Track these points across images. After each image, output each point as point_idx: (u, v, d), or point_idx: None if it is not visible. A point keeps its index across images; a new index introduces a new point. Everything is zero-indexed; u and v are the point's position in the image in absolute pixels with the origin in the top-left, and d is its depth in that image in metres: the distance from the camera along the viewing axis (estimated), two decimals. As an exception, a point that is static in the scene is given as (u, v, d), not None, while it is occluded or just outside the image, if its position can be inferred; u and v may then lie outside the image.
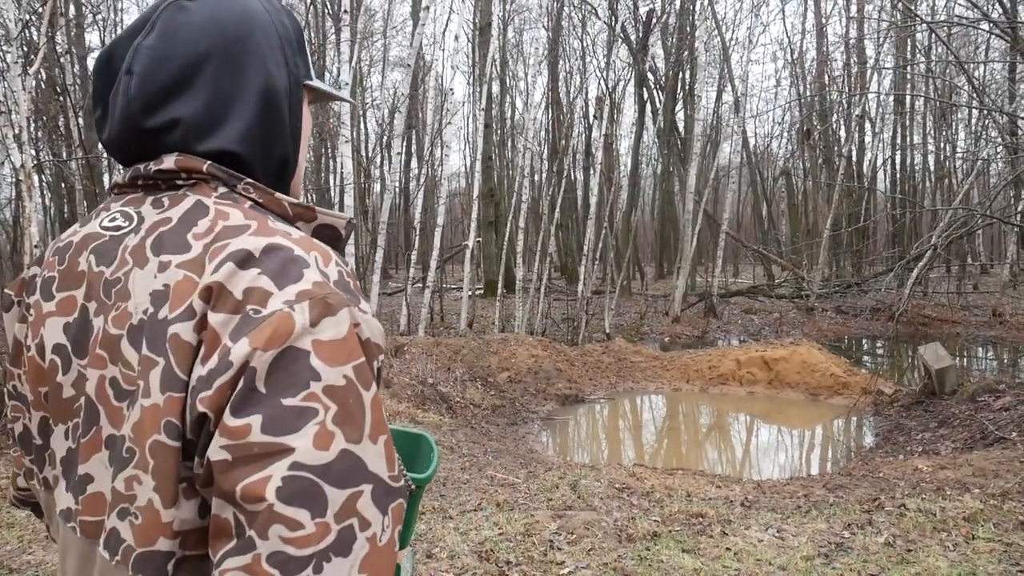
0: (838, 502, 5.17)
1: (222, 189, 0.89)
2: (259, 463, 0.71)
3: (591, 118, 22.49)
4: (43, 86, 10.48)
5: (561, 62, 23.65)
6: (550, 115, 23.98)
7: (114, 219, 0.92)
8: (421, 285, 14.16)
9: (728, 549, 4.12)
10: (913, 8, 13.23)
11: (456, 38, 28.64)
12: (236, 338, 0.74)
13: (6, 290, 1.03)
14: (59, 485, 0.89)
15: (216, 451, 0.73)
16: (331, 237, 0.95)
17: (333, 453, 0.73)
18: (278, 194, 0.92)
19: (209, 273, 0.79)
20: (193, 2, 0.91)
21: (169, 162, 0.89)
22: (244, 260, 0.79)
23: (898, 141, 26.97)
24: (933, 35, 15.26)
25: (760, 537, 4.32)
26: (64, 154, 10.74)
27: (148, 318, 0.80)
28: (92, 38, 16.34)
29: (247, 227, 0.83)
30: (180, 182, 0.90)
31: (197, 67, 0.89)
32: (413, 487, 1.22)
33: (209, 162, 0.89)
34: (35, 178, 7.06)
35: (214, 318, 0.77)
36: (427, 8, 11.43)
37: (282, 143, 0.96)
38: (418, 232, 14.22)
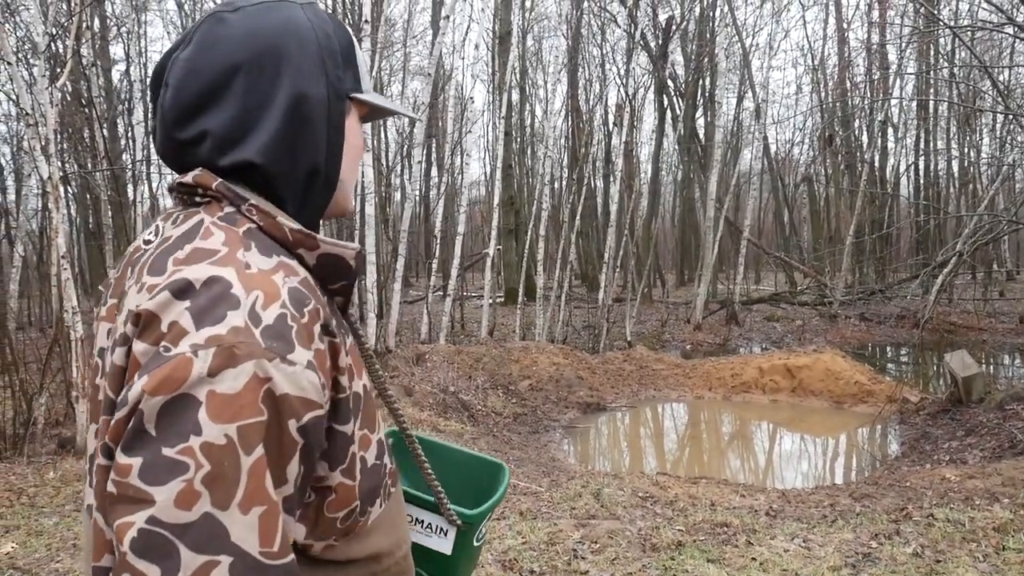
0: (864, 512, 5.11)
1: (228, 209, 0.89)
2: (129, 507, 0.71)
3: (611, 125, 22.48)
4: (68, 98, 10.61)
5: (580, 70, 23.65)
6: (570, 123, 23.98)
7: (150, 233, 0.94)
8: (442, 293, 14.20)
9: (754, 559, 4.09)
10: (936, 13, 13.13)
11: (476, 47, 28.80)
12: (142, 374, 0.74)
13: (100, 287, 1.06)
14: (86, 480, 0.91)
15: (109, 483, 0.73)
16: (338, 268, 0.92)
17: (195, 515, 0.70)
18: (281, 218, 0.89)
19: (146, 299, 0.78)
20: (234, 13, 0.92)
21: (189, 177, 0.90)
22: (181, 291, 0.77)
23: (921, 146, 26.72)
24: (956, 40, 15.13)
25: (786, 547, 4.28)
26: (89, 165, 10.88)
27: (119, 338, 0.81)
28: (116, 50, 16.54)
29: (215, 253, 0.82)
30: (198, 198, 0.91)
31: (229, 79, 0.89)
32: (460, 523, 1.21)
33: (219, 180, 0.89)
34: (61, 189, 7.15)
35: (137, 347, 0.77)
36: (447, 17, 11.49)
37: (311, 156, 0.93)
38: (438, 240, 14.25)
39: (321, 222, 1.04)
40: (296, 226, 0.89)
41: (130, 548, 0.69)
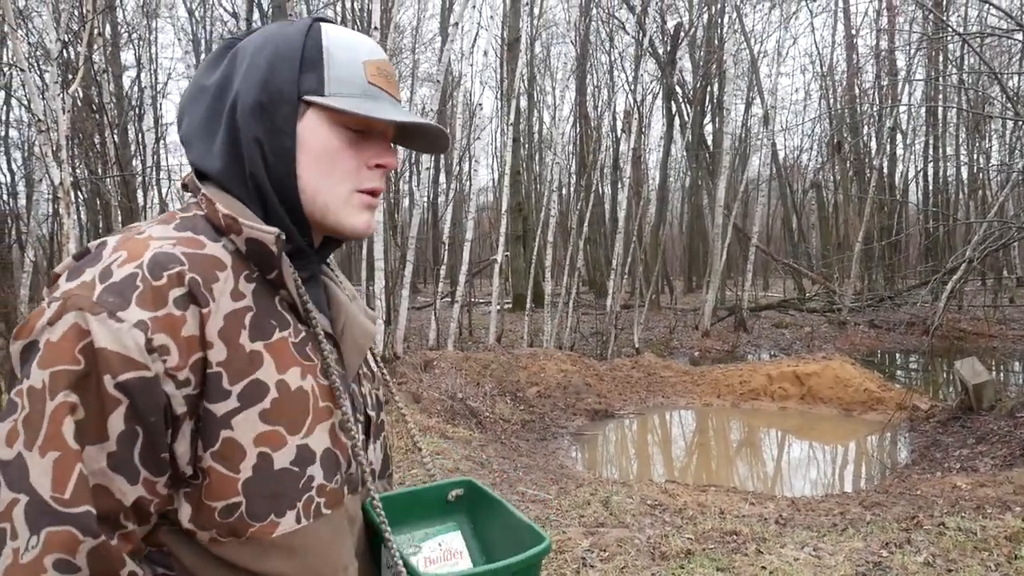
0: (875, 520, 5.09)
1: (192, 198, 0.98)
2: None
3: (619, 132, 22.48)
4: (80, 104, 10.68)
5: (589, 76, 23.64)
6: (578, 129, 24.00)
7: None
8: (450, 299, 14.22)
9: (763, 568, 4.07)
10: (944, 19, 13.10)
11: (485, 54, 28.86)
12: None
13: None
14: None
15: None
16: (263, 254, 0.92)
17: (13, 453, 0.76)
18: (218, 204, 0.92)
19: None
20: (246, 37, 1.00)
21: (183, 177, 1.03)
22: (81, 255, 0.87)
23: (930, 153, 26.63)
24: (965, 46, 15.09)
25: (796, 556, 4.26)
26: (100, 171, 10.93)
27: None
28: (128, 57, 16.64)
29: (143, 231, 0.90)
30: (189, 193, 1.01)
31: (199, 93, 0.99)
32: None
33: (189, 174, 1.00)
34: (72, 195, 7.19)
35: (44, 299, 0.84)
36: (456, 24, 11.51)
37: (249, 161, 0.94)
38: (447, 247, 14.28)
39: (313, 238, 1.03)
40: (226, 211, 0.92)
41: None
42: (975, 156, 25.14)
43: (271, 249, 0.91)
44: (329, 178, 0.98)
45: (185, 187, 1.01)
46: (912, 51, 19.47)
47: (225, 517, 0.86)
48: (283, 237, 0.92)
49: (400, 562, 1.00)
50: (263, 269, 0.93)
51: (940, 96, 21.94)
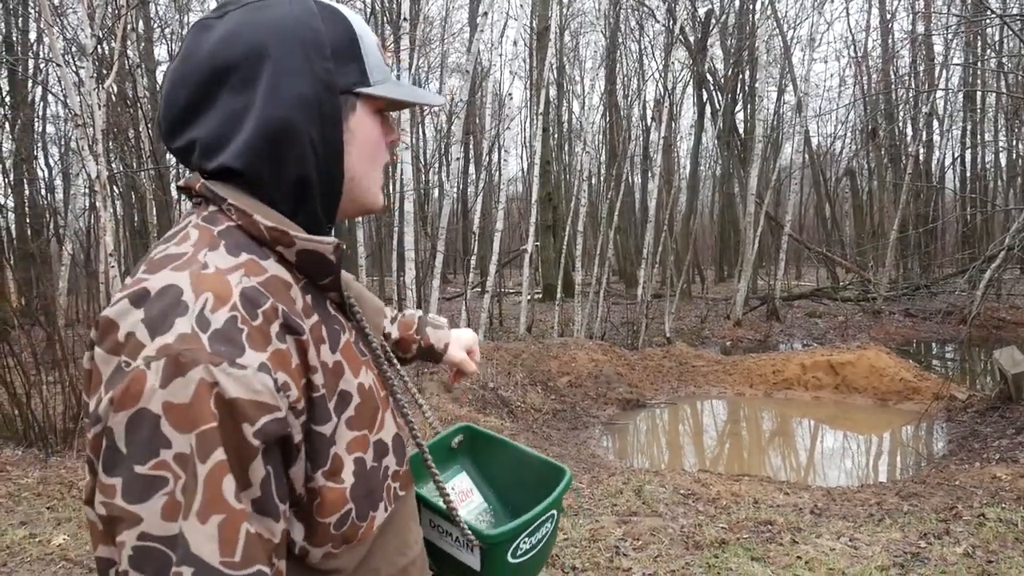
0: (912, 511, 5.02)
1: (212, 208, 0.90)
2: (120, 526, 0.72)
3: (649, 121, 22.33)
4: (115, 99, 10.81)
5: (618, 65, 23.52)
6: (608, 118, 23.88)
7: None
8: (480, 290, 14.23)
9: (799, 558, 4.03)
10: (984, 1, 12.82)
11: (515, 43, 28.75)
12: (107, 389, 0.74)
13: None
14: None
15: (97, 504, 0.74)
16: (320, 263, 0.91)
17: (177, 527, 0.71)
18: (258, 216, 0.87)
19: (110, 305, 0.79)
20: (220, 19, 0.90)
21: (183, 181, 0.93)
22: (139, 298, 0.78)
23: (968, 139, 26.14)
24: (1005, 29, 14.76)
25: (832, 546, 4.22)
26: (135, 164, 11.07)
27: (87, 342, 0.81)
28: (161, 51, 16.84)
29: (180, 256, 0.83)
30: (194, 199, 0.93)
31: (211, 87, 0.89)
32: (478, 543, 1.15)
33: (202, 182, 0.91)
34: (109, 188, 7.29)
35: (98, 353, 0.77)
36: (485, 14, 11.48)
37: (297, 159, 0.90)
38: (477, 237, 14.28)
39: (348, 220, 1.02)
40: (271, 223, 0.88)
41: (129, 566, 0.72)
42: (1014, 142, 24.63)
43: (330, 259, 0.91)
44: (372, 165, 1.00)
45: (188, 191, 0.93)
46: (949, 35, 19.11)
47: (339, 528, 0.88)
48: (342, 246, 0.93)
49: (470, 533, 1.14)
50: (314, 276, 0.92)
51: (978, 81, 21.51)
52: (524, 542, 1.19)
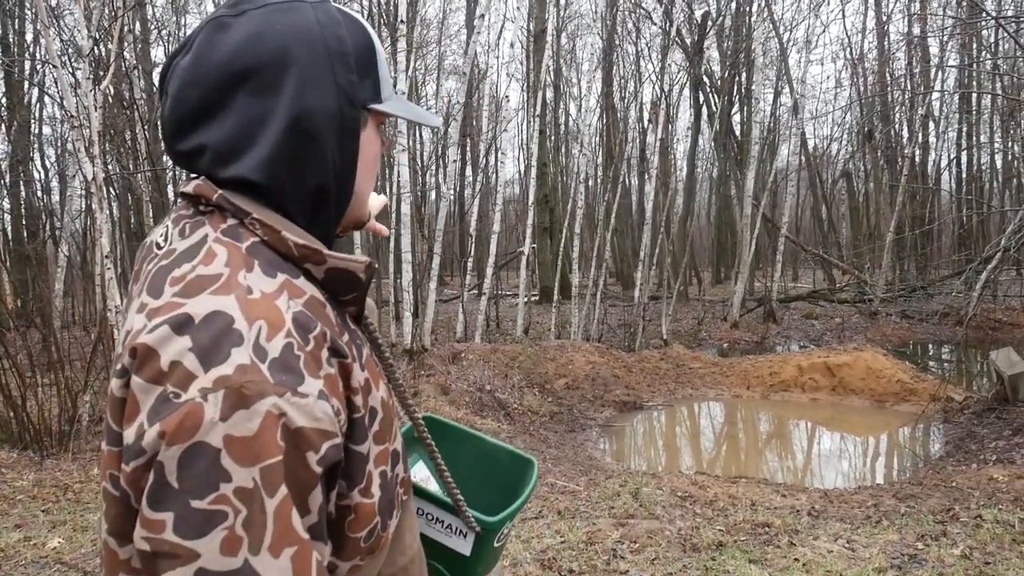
0: (910, 512, 5.02)
1: (231, 221, 0.85)
2: (171, 562, 0.69)
3: (646, 123, 22.34)
4: (111, 101, 10.80)
5: (615, 67, 23.51)
6: (605, 120, 23.89)
7: (161, 235, 0.90)
8: (477, 292, 14.23)
9: (796, 560, 4.03)
10: (979, 3, 12.85)
11: (511, 46, 28.81)
12: (152, 420, 0.71)
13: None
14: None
15: (138, 539, 0.71)
16: (349, 281, 0.89)
17: (240, 560, 0.69)
18: (285, 232, 0.84)
19: (146, 331, 0.75)
20: (237, 18, 0.86)
21: (190, 187, 0.87)
22: (181, 325, 0.74)
23: (963, 141, 26.20)
24: (1000, 31, 14.80)
25: (829, 548, 4.22)
26: (132, 166, 11.06)
27: (119, 369, 0.77)
28: (158, 53, 16.81)
29: (216, 279, 0.79)
30: (202, 207, 0.87)
31: (228, 90, 0.84)
32: (479, 529, 1.20)
33: (220, 192, 0.85)
34: (105, 190, 7.28)
35: (136, 382, 0.73)
36: (482, 16, 11.49)
37: (318, 175, 0.88)
38: (473, 239, 14.29)
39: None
40: (302, 240, 0.85)
41: None
42: (1010, 144, 24.70)
43: (359, 277, 0.90)
44: (370, 182, 0.99)
45: (197, 199, 0.87)
46: (945, 37, 19.16)
47: (367, 540, 0.88)
48: (375, 264, 0.91)
49: (472, 518, 1.18)
50: (339, 293, 0.90)
51: (974, 83, 21.57)
52: (506, 527, 1.24)
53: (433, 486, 1.42)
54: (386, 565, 0.97)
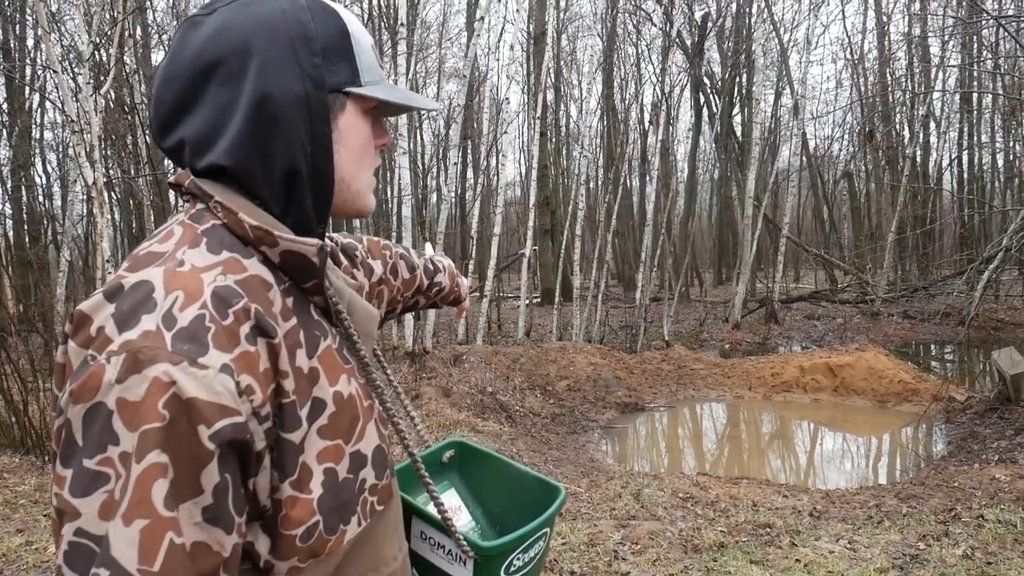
0: (911, 512, 5.02)
1: (200, 206, 0.89)
2: (63, 517, 0.70)
3: (647, 124, 22.35)
4: (112, 105, 10.82)
5: (616, 69, 23.55)
6: (605, 122, 23.90)
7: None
8: (478, 294, 14.22)
9: (798, 560, 4.03)
10: (979, 3, 12.85)
11: (512, 48, 28.83)
12: (72, 381, 0.73)
13: None
14: None
15: (52, 495, 0.72)
16: (303, 266, 0.89)
17: (105, 527, 0.69)
18: (243, 214, 0.86)
19: (87, 299, 0.78)
20: (209, 16, 0.89)
21: (172, 178, 0.92)
22: (113, 293, 0.77)
23: (965, 141, 26.16)
24: (1001, 31, 14.79)
25: (831, 548, 4.22)
26: (132, 171, 11.08)
27: (61, 335, 0.80)
28: (158, 57, 16.83)
29: (161, 255, 0.82)
30: (184, 197, 0.92)
31: (200, 84, 0.87)
32: (474, 556, 1.14)
33: (191, 179, 0.89)
34: (106, 195, 7.29)
35: (71, 347, 0.76)
36: (482, 19, 11.49)
37: (286, 154, 0.88)
38: (475, 241, 14.27)
39: (331, 220, 1.00)
40: (255, 223, 0.86)
41: (63, 561, 0.71)
42: (1011, 143, 24.67)
43: (312, 261, 0.89)
44: (361, 166, 0.98)
45: (178, 188, 0.92)
46: (946, 36, 19.15)
47: (305, 540, 0.85)
48: (326, 248, 0.91)
49: (465, 544, 1.13)
50: (298, 279, 0.90)
51: (975, 82, 21.55)
52: (518, 558, 1.18)
53: (465, 515, 1.37)
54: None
